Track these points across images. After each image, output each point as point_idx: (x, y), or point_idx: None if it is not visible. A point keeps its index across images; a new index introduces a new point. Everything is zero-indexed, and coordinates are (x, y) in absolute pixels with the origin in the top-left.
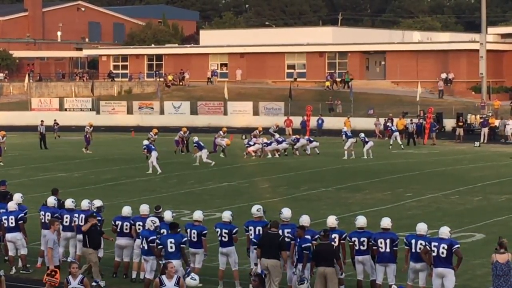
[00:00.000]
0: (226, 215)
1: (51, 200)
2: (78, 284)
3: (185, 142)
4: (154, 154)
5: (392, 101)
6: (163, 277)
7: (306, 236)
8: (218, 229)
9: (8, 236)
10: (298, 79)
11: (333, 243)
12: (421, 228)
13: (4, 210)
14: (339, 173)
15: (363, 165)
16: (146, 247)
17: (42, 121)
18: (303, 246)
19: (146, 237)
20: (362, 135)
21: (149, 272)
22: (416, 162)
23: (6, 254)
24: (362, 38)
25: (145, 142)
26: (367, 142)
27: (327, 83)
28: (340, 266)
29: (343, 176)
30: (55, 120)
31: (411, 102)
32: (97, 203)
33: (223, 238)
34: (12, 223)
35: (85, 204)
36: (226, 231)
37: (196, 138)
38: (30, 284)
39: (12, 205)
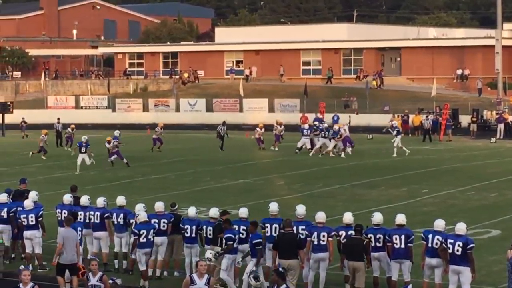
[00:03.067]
0: (244, 212)
1: (67, 198)
2: (97, 281)
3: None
4: None
5: (408, 97)
6: (194, 275)
7: (258, 232)
8: (235, 226)
9: (27, 233)
10: (313, 76)
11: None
12: (439, 224)
13: (21, 208)
14: (355, 169)
15: (379, 162)
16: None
17: (58, 119)
18: (254, 242)
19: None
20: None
21: (143, 264)
22: (432, 158)
23: (23, 252)
24: (377, 35)
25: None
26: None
27: (374, 82)
28: (368, 262)
29: (359, 172)
30: (23, 118)
31: (427, 98)
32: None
33: (240, 235)
34: (32, 221)
35: (100, 201)
36: (245, 227)
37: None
38: (47, 282)
39: (28, 203)
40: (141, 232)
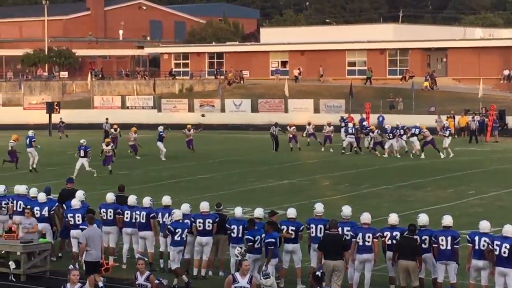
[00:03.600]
0: (292, 212)
1: (110, 196)
2: (144, 280)
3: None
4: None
5: (454, 98)
6: (237, 274)
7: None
8: (284, 226)
9: (74, 232)
10: (358, 76)
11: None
12: (485, 226)
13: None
14: (400, 170)
15: (425, 163)
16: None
17: (107, 118)
18: (266, 241)
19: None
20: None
21: (176, 263)
22: (478, 159)
23: (71, 250)
24: (423, 35)
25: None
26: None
27: (426, 84)
28: (419, 262)
29: (405, 173)
30: (60, 118)
31: (473, 99)
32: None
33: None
34: (79, 220)
35: (146, 201)
36: (293, 228)
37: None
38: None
39: (76, 203)
40: (177, 230)
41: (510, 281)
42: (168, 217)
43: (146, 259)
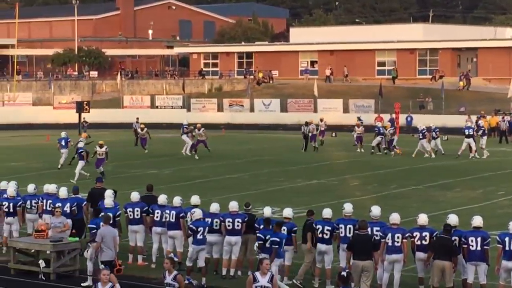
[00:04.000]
0: (328, 212)
1: (135, 196)
2: (171, 280)
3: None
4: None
5: (484, 98)
6: (257, 273)
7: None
8: (319, 226)
9: None
10: (388, 76)
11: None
12: None
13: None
14: (430, 171)
15: (454, 163)
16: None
17: (137, 118)
18: (271, 239)
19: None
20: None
21: (201, 261)
22: (508, 160)
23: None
24: (453, 35)
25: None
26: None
27: (461, 83)
28: (454, 263)
29: (434, 174)
30: (84, 118)
31: (503, 99)
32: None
33: (324, 236)
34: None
35: (177, 201)
36: (329, 228)
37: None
38: (120, 279)
39: (108, 202)
40: (199, 229)
41: None
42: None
43: (176, 259)
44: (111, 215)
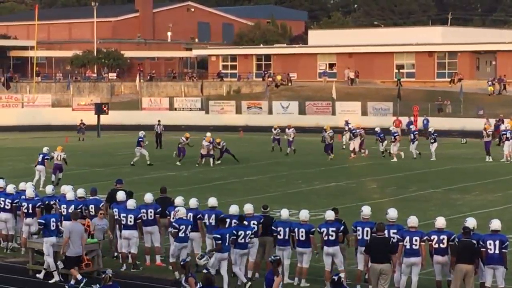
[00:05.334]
0: (331, 214)
1: (149, 197)
2: (184, 282)
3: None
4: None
5: (503, 101)
6: None
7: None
8: (324, 229)
9: (125, 233)
10: (407, 79)
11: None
12: None
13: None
14: (448, 174)
15: (473, 166)
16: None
17: (159, 120)
18: (213, 236)
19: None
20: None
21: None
22: None
23: (116, 250)
24: (472, 38)
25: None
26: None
27: (490, 88)
28: (476, 266)
29: (453, 177)
30: (81, 120)
31: None
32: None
33: (329, 237)
34: (131, 221)
35: (193, 202)
36: (333, 229)
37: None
38: (139, 281)
39: (131, 204)
40: (181, 227)
41: None
42: (214, 218)
43: (188, 260)
44: (78, 212)
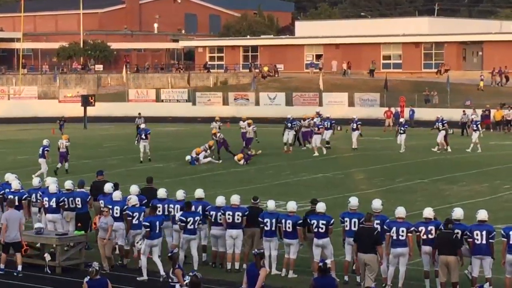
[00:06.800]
0: (322, 206)
1: (135, 188)
2: (171, 273)
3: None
4: None
5: (490, 92)
6: None
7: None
8: (314, 221)
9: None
10: (393, 70)
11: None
12: None
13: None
14: (436, 164)
15: (460, 157)
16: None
17: (139, 113)
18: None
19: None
20: None
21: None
22: None
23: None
24: (459, 29)
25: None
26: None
27: (481, 84)
28: (460, 257)
29: (440, 167)
30: (63, 116)
31: (509, 93)
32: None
33: (319, 230)
34: (117, 213)
35: (180, 194)
36: (324, 222)
37: None
38: (127, 273)
39: (117, 195)
40: (134, 214)
41: None
42: (201, 210)
43: (175, 251)
44: (16, 199)
